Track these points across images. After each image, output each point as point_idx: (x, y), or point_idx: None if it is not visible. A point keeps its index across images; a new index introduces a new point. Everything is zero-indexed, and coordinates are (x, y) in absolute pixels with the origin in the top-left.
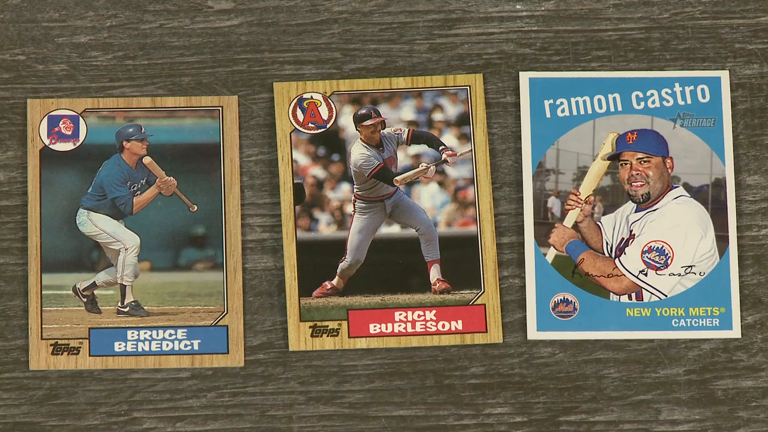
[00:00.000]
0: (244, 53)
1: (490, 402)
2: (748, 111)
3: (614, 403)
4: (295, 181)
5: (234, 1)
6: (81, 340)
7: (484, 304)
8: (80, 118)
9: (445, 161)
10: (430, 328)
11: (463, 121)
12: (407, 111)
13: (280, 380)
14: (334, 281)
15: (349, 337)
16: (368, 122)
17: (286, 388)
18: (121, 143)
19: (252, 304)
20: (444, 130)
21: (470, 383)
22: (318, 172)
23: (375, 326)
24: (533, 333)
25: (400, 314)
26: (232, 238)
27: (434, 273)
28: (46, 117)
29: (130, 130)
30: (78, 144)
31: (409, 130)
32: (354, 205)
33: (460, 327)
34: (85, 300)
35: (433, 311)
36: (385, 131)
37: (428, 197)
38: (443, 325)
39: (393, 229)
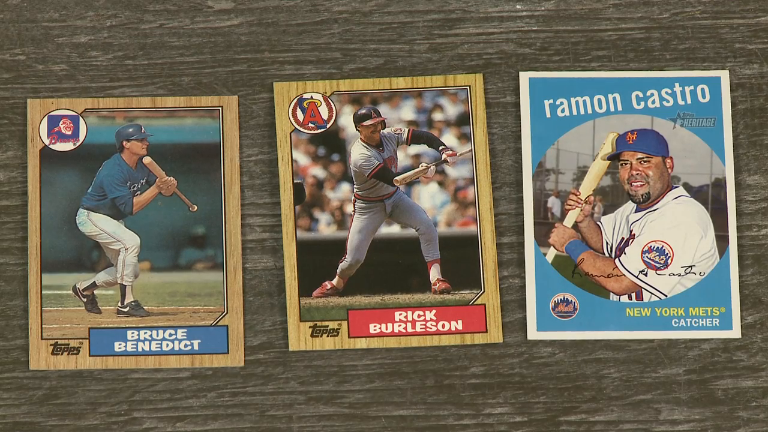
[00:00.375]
0: (244, 53)
1: (490, 402)
2: (748, 111)
3: (614, 403)
4: (295, 181)
5: (234, 1)
6: (81, 340)
7: (484, 304)
8: (80, 118)
9: (445, 161)
10: (430, 328)
11: (463, 121)
12: (407, 111)
13: (280, 380)
14: (334, 281)
15: (349, 337)
16: (368, 122)
17: (286, 388)
18: (121, 143)
19: (252, 304)
20: (444, 130)
21: (470, 383)
22: (318, 172)
23: (375, 326)
24: (533, 333)
25: (400, 314)
26: (232, 238)
27: (434, 273)
28: (46, 117)
29: (130, 130)
30: (78, 144)
31: (409, 130)
32: (354, 205)
33: (460, 327)
34: (85, 300)
35: (433, 311)
36: (385, 131)
37: (428, 197)
38: (443, 325)
39: (393, 229)
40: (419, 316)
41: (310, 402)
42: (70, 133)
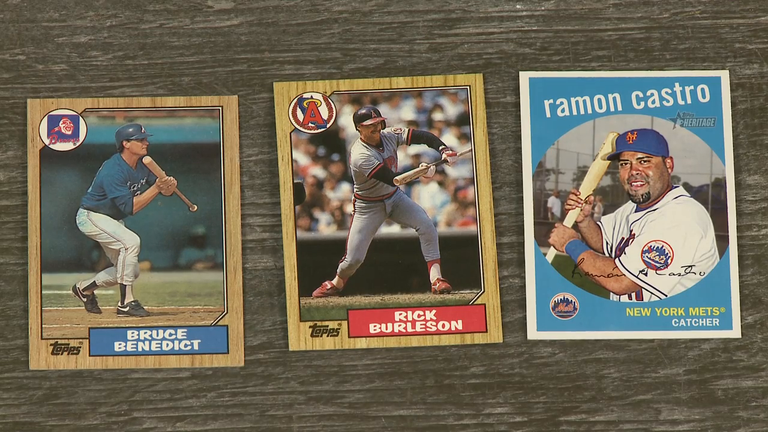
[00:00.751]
0: (244, 53)
1: (490, 402)
2: (748, 111)
3: (614, 403)
4: (295, 181)
5: (234, 1)
6: (81, 340)
7: (484, 304)
8: (80, 117)
9: (445, 161)
10: (430, 328)
11: (463, 120)
12: (407, 111)
13: (280, 380)
14: (334, 281)
15: (349, 337)
16: (368, 122)
17: (286, 388)
18: (121, 143)
19: (252, 304)
20: (444, 130)
21: (470, 383)
22: (318, 171)
23: (375, 326)
24: (533, 333)
25: (400, 314)
26: (232, 238)
27: (434, 273)
28: (46, 117)
29: (130, 129)
30: (78, 144)
31: (409, 130)
32: (354, 204)
33: (460, 327)
34: (85, 300)
35: (433, 311)
36: (385, 131)
37: (428, 197)
38: (443, 325)
39: (393, 229)
40: (419, 316)
41: (310, 402)
42: (70, 133)
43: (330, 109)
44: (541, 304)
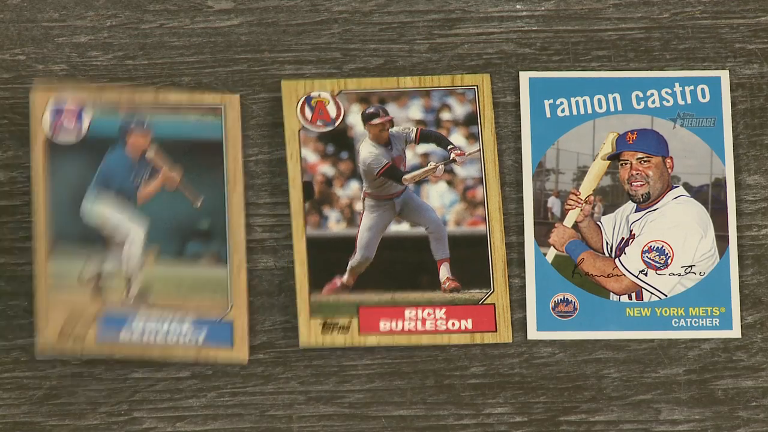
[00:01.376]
0: (244, 53)
1: (490, 402)
2: (748, 111)
3: (614, 403)
4: (303, 180)
5: (234, 1)
6: (87, 330)
7: (494, 304)
8: (83, 110)
9: (454, 160)
10: (440, 326)
11: (471, 120)
12: (415, 110)
13: (280, 380)
14: (344, 278)
15: (359, 333)
16: (376, 121)
17: (286, 387)
18: (125, 136)
19: (252, 304)
20: (452, 130)
21: (470, 383)
22: (327, 169)
23: (385, 323)
24: (533, 333)
25: (410, 312)
26: (236, 236)
27: (444, 271)
28: (49, 109)
29: (134, 123)
30: (82, 136)
31: (417, 129)
32: (363, 202)
33: (469, 326)
34: (91, 290)
35: (443, 310)
36: (393, 130)
37: (437, 196)
38: (453, 324)
39: (402, 227)
40: (429, 314)
41: (310, 402)
42: (73, 125)
43: (338, 108)
44: (541, 304)
